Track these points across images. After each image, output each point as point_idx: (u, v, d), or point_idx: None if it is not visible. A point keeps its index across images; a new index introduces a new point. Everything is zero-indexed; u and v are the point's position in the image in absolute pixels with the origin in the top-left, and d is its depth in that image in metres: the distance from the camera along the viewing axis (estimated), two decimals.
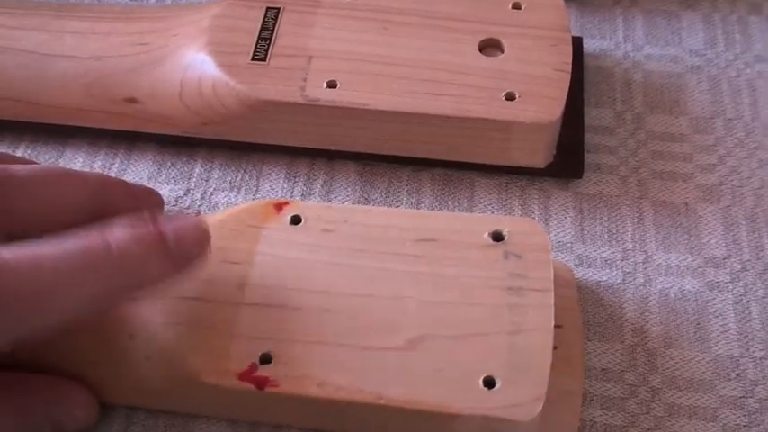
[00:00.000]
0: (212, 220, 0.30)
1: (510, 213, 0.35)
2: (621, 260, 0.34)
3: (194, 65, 0.36)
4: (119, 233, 0.25)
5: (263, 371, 0.27)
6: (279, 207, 0.31)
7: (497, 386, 0.27)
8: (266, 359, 0.28)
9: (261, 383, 0.27)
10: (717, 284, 0.33)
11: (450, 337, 0.28)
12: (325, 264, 0.30)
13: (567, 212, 0.35)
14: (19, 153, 0.37)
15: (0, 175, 0.28)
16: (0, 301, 0.23)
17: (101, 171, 0.37)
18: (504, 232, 0.30)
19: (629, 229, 0.35)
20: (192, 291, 0.29)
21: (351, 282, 0.29)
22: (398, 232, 0.30)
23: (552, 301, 0.28)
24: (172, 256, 0.26)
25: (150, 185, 0.36)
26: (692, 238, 0.34)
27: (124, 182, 0.33)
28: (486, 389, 0.27)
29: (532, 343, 0.28)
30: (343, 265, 0.30)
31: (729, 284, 0.33)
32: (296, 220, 0.31)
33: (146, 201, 0.32)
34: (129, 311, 0.29)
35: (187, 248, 0.27)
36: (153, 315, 0.29)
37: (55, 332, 0.25)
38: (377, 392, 0.27)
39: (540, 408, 0.26)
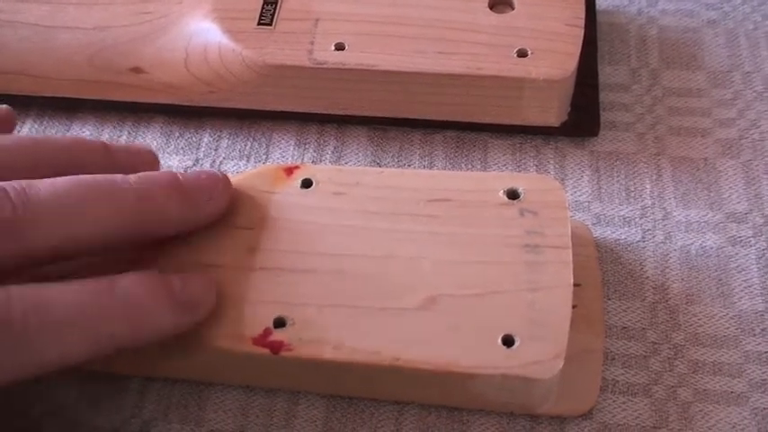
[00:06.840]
0: None
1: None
2: (640, 218, 0.33)
3: (199, 32, 0.35)
4: (126, 278, 0.25)
5: (278, 335, 0.27)
6: (289, 171, 0.31)
7: (516, 344, 0.26)
8: (280, 323, 0.27)
9: (276, 348, 0.27)
10: (739, 239, 0.32)
11: (466, 296, 0.27)
12: (337, 226, 0.29)
13: (583, 171, 0.34)
14: (26, 128, 0.37)
15: (15, 202, 0.24)
16: (6, 333, 0.23)
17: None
18: (520, 190, 0.29)
19: (648, 187, 0.34)
20: (203, 257, 0.29)
21: (364, 244, 0.29)
22: (412, 193, 0.30)
23: (570, 258, 0.28)
24: (178, 303, 0.26)
25: (159, 156, 0.35)
26: (712, 194, 0.33)
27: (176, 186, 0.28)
28: (504, 347, 0.26)
29: (551, 300, 0.27)
30: (356, 227, 0.29)
31: (752, 239, 0.32)
32: (307, 184, 0.30)
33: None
34: None
35: (193, 294, 0.27)
36: None
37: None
38: (394, 354, 0.26)
39: (561, 365, 0.26)
